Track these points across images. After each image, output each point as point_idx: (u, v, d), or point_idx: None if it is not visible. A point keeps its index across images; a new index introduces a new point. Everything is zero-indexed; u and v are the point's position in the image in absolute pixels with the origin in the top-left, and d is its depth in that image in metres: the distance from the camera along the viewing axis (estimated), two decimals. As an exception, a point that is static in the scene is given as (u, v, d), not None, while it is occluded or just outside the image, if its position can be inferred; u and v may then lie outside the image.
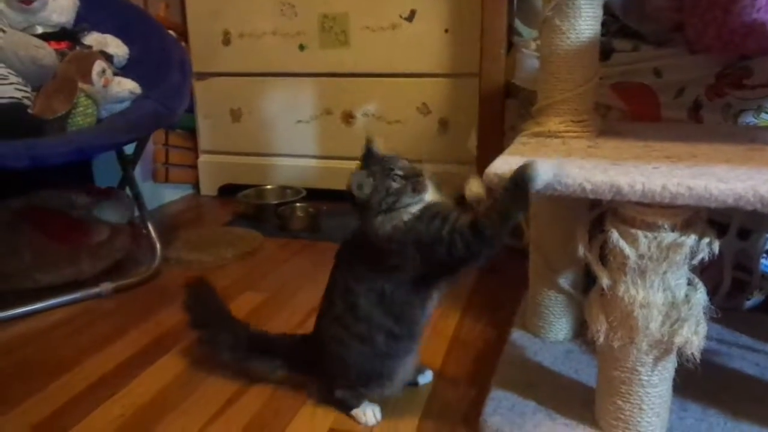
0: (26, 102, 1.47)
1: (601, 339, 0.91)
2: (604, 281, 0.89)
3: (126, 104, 1.62)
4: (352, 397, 1.05)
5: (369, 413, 1.03)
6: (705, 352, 0.87)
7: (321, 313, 1.06)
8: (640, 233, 0.84)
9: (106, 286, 1.55)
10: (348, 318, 0.99)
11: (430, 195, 0.95)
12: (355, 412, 1.04)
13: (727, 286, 1.28)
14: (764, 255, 1.29)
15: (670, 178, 0.80)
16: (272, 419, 1.06)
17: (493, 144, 1.52)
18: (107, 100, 1.57)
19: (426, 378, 1.15)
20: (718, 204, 0.77)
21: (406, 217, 0.92)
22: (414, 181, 0.92)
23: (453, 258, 0.90)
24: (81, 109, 1.49)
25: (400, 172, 0.92)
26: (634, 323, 0.87)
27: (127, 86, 1.60)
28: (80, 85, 1.49)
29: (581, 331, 1.23)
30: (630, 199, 0.81)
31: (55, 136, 1.42)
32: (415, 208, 0.93)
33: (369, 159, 0.95)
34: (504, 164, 0.91)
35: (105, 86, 1.54)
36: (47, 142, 1.39)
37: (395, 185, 0.91)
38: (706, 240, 0.84)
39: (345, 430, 1.02)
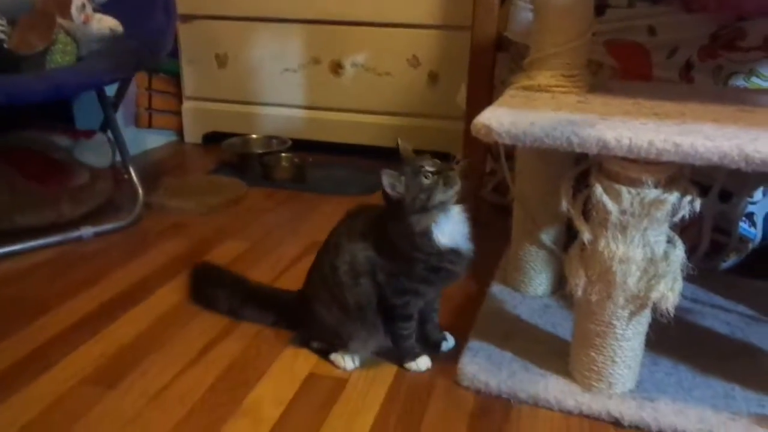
0: (1, 36, 1.42)
1: (579, 293, 0.92)
2: (585, 236, 0.90)
3: (107, 44, 1.57)
4: (329, 346, 1.07)
5: (347, 358, 1.05)
6: (679, 310, 0.89)
7: (313, 265, 1.08)
8: (623, 189, 0.85)
9: (87, 230, 1.53)
10: (328, 278, 1.02)
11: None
12: (333, 356, 1.06)
13: (705, 247, 1.30)
14: (743, 218, 1.31)
15: (658, 135, 0.80)
16: (253, 362, 1.07)
17: (482, 98, 1.50)
18: (87, 37, 1.52)
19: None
20: (703, 162, 0.78)
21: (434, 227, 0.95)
22: (444, 176, 0.94)
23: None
24: (60, 46, 1.44)
25: (430, 169, 0.94)
26: (613, 278, 0.88)
27: (108, 24, 1.54)
28: (59, 20, 1.43)
29: (559, 287, 1.25)
30: (616, 153, 0.81)
31: (32, 73, 1.38)
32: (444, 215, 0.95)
33: (400, 161, 0.97)
34: (492, 115, 0.90)
35: (85, 23, 1.49)
36: (24, 79, 1.35)
37: (426, 182, 0.93)
38: (688, 198, 0.84)
39: (324, 374, 1.04)
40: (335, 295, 1.01)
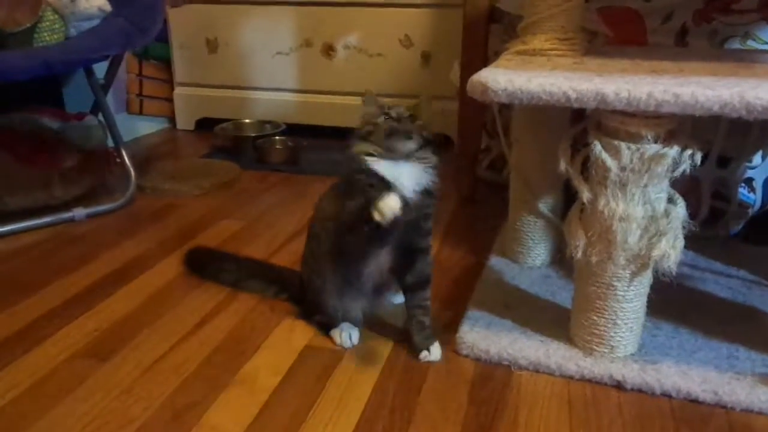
0: (-13, 14, 1.40)
1: (579, 254, 0.91)
2: (585, 195, 0.89)
3: (95, 22, 1.55)
4: (328, 319, 1.05)
5: (345, 336, 1.03)
6: (679, 276, 0.87)
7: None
8: (623, 145, 0.83)
9: (79, 211, 1.51)
10: (311, 238, 1.04)
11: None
12: (332, 332, 1.04)
13: (704, 214, 1.29)
14: (741, 183, 1.30)
15: (656, 86, 0.78)
16: (249, 335, 1.05)
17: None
18: (75, 16, 1.50)
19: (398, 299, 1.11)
20: (703, 111, 0.76)
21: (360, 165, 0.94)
22: (393, 126, 0.94)
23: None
24: (47, 24, 1.42)
25: (392, 114, 0.96)
26: (613, 237, 0.87)
27: (95, 2, 1.52)
28: (45, -3, 1.41)
29: (558, 257, 1.24)
30: (615, 107, 0.80)
31: (19, 50, 1.35)
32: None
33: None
34: (489, 74, 0.89)
35: (72, 0, 1.47)
36: (11, 55, 1.32)
37: (378, 119, 0.96)
38: (689, 152, 0.83)
39: (321, 346, 1.02)
40: (313, 250, 1.03)
